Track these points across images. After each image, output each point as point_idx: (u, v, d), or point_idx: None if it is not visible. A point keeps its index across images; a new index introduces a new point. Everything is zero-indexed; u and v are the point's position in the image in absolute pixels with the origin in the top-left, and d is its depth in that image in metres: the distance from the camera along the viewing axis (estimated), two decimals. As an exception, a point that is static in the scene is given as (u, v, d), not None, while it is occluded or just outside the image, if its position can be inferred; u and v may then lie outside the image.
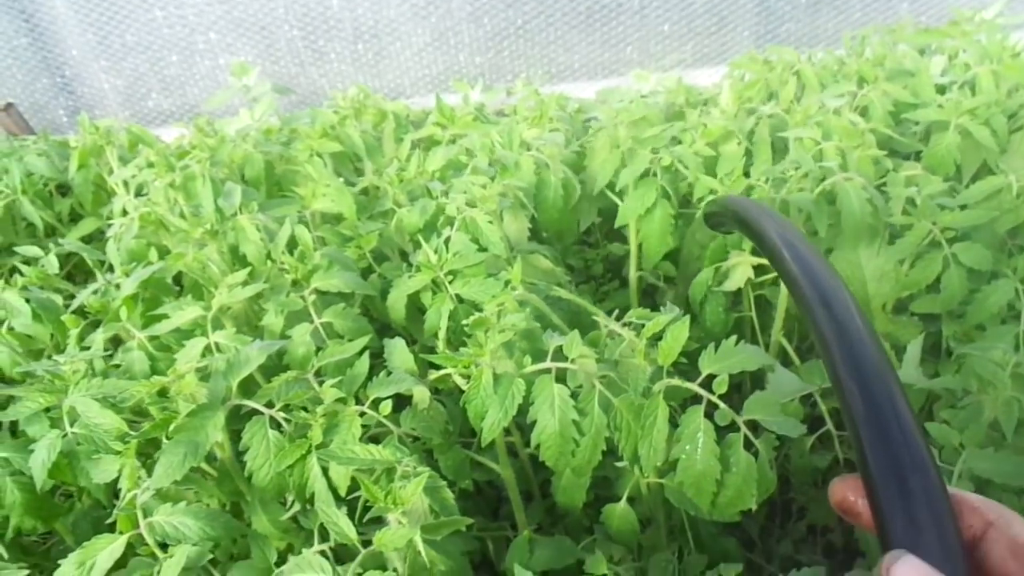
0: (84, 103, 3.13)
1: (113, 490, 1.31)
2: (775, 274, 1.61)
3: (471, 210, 1.50)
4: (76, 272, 2.23)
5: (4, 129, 3.07)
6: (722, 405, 1.09)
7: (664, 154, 1.63)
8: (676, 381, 1.12)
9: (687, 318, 1.13)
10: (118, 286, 1.44)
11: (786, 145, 1.90)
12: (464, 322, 1.26)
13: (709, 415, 1.09)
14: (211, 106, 2.79)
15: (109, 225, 2.21)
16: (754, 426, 1.12)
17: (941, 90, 2.03)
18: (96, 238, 2.32)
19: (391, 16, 2.84)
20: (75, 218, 2.44)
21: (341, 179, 1.86)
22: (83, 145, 2.13)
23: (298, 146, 1.92)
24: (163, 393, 1.13)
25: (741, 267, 1.65)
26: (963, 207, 1.50)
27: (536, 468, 1.59)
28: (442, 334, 1.19)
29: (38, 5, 2.83)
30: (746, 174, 1.65)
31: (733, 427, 1.11)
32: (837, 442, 1.48)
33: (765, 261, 1.60)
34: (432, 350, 1.57)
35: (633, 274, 1.88)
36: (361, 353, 1.20)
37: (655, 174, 1.65)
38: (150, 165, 1.94)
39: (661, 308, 1.21)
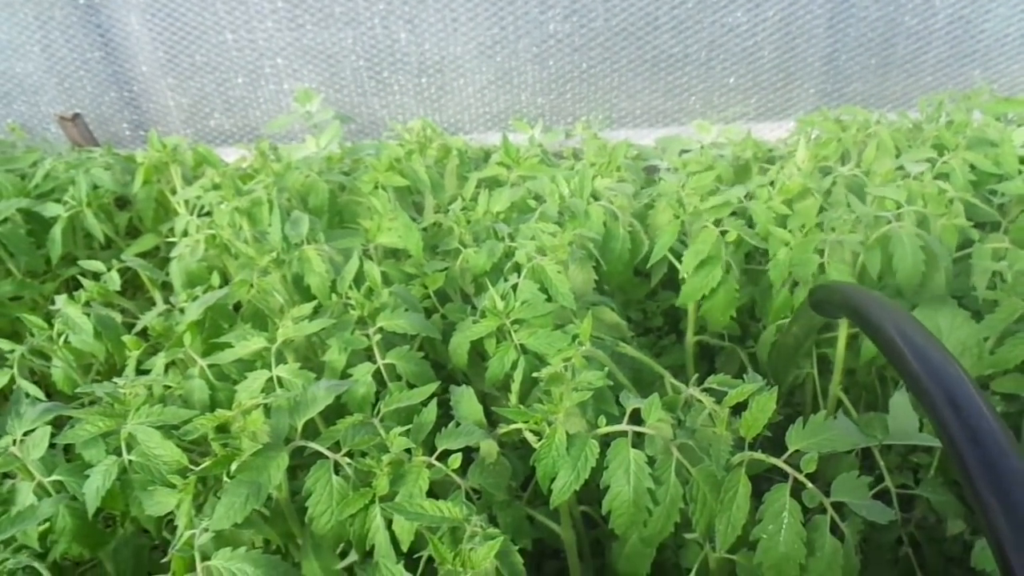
0: (148, 118, 3.18)
1: (162, 521, 1.28)
2: (835, 332, 1.55)
3: (540, 258, 1.46)
4: (128, 286, 2.23)
5: (70, 139, 3.13)
6: (810, 485, 1.03)
7: (731, 226, 1.58)
8: (760, 455, 1.06)
9: (774, 390, 1.08)
10: (182, 310, 1.42)
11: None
12: (535, 375, 1.22)
13: (795, 494, 1.03)
14: (272, 130, 2.81)
15: (167, 242, 2.22)
16: (838, 507, 1.06)
17: (1024, 161, 1.97)
18: (152, 254, 2.33)
19: (457, 52, 2.85)
20: (132, 231, 2.46)
21: (400, 211, 1.84)
22: (149, 162, 2.14)
23: (363, 178, 1.91)
24: (224, 428, 1.10)
25: (803, 319, 1.59)
26: (1058, 287, 1.43)
27: (588, 526, 1.53)
28: (516, 387, 1.15)
29: (114, 21, 2.90)
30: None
31: (818, 507, 1.05)
32: (896, 499, 1.40)
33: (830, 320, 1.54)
34: (490, 396, 1.53)
35: (691, 338, 1.82)
36: (428, 401, 1.16)
37: (720, 248, 1.59)
38: (215, 187, 1.94)
39: (715, 360, 1.16)
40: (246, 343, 1.30)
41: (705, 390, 1.16)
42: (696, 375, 1.21)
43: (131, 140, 3.21)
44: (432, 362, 1.55)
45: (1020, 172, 1.90)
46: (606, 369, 1.17)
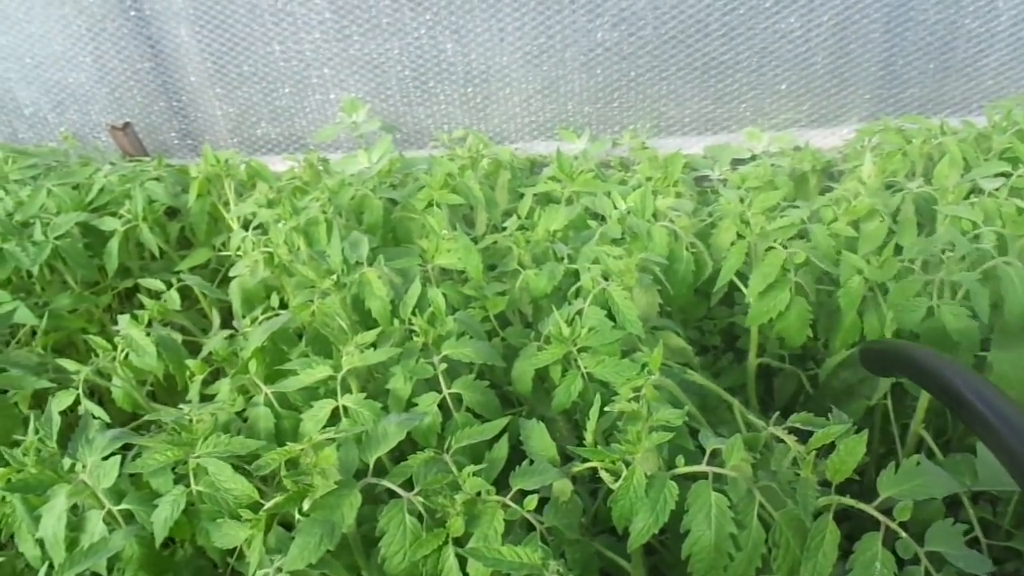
0: (196, 127, 3.20)
1: (227, 550, 1.28)
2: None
3: (607, 283, 1.43)
4: (182, 297, 2.24)
5: (120, 147, 3.16)
6: (904, 535, 0.99)
7: (798, 248, 1.53)
8: (849, 500, 1.02)
9: (864, 434, 1.03)
10: (245, 335, 1.41)
11: (932, 225, 1.78)
12: (606, 409, 1.19)
13: (886, 542, 0.99)
14: (319, 139, 2.80)
15: (219, 254, 2.23)
16: (933, 557, 1.01)
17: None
18: (203, 265, 2.33)
19: (503, 62, 2.82)
20: (183, 242, 2.47)
21: (457, 231, 1.82)
22: (203, 176, 2.15)
23: (418, 195, 1.89)
24: (294, 462, 1.09)
25: (887, 358, 1.53)
26: None
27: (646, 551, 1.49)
28: (591, 425, 1.12)
29: (164, 33, 2.92)
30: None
31: (911, 557, 1.00)
32: (986, 550, 1.34)
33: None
34: (549, 420, 1.51)
35: (752, 360, 1.77)
36: (500, 436, 1.14)
37: (787, 270, 1.54)
38: (269, 203, 1.93)
39: (773, 380, 1.11)
40: (311, 371, 1.28)
41: (790, 430, 1.12)
42: (756, 399, 1.16)
43: (179, 149, 3.24)
44: (495, 387, 1.53)
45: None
46: (686, 408, 1.13)
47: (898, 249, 1.67)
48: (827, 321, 1.77)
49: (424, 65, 2.88)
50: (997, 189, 1.70)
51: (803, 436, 1.14)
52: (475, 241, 1.79)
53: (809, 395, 1.85)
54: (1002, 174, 1.83)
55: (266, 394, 1.30)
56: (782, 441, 1.13)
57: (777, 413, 1.16)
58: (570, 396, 1.34)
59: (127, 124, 3.12)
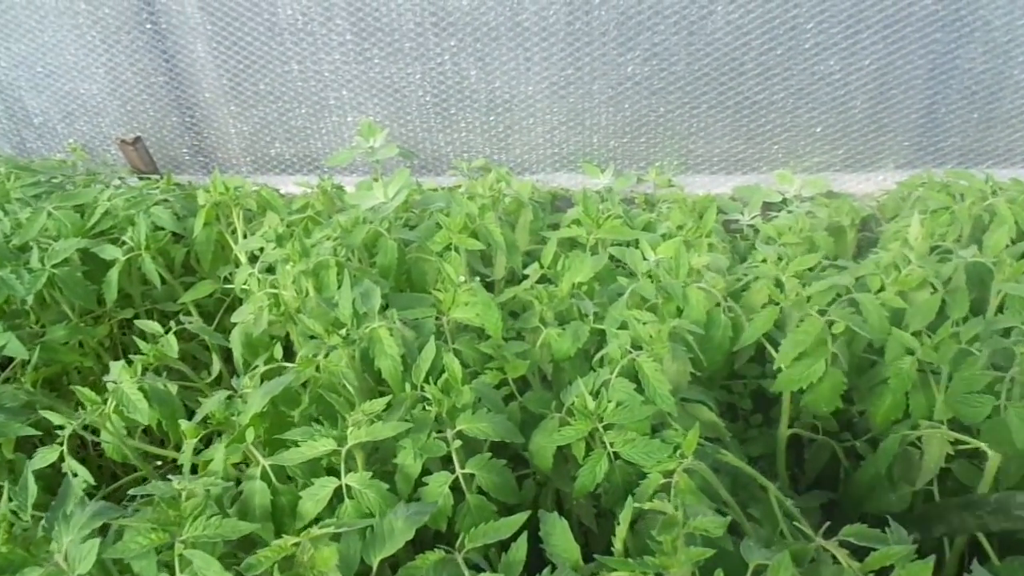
0: (208, 144, 3.11)
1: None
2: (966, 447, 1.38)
3: (637, 352, 1.32)
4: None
5: (129, 162, 3.08)
6: None
7: (839, 316, 1.41)
8: (913, 638, 0.90)
9: (931, 560, 0.91)
10: (243, 397, 1.30)
11: (984, 294, 1.66)
12: (636, 504, 1.07)
13: None
14: (334, 163, 2.70)
15: (225, 286, 2.12)
16: None
17: None
18: (206, 296, 2.23)
19: (529, 92, 2.72)
20: (188, 268, 2.37)
21: (475, 280, 1.71)
22: (210, 204, 2.05)
23: (436, 237, 1.79)
24: (290, 560, 0.98)
25: (938, 444, 1.41)
26: None
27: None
28: (622, 532, 1.00)
29: (180, 47, 2.84)
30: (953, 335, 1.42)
31: None
32: None
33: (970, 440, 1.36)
34: (565, 495, 1.39)
35: (783, 431, 1.65)
36: (520, 532, 1.02)
37: (824, 340, 1.43)
38: (278, 237, 1.83)
39: (804, 450, 0.99)
40: (313, 444, 1.17)
41: (842, 543, 1.00)
42: (784, 471, 1.05)
43: (190, 165, 3.15)
44: (508, 451, 1.41)
45: None
46: (727, 519, 1.01)
47: (951, 323, 1.56)
48: (867, 390, 1.65)
49: (446, 91, 2.78)
50: (1058, 262, 1.58)
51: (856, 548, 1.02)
52: (492, 287, 1.69)
53: (847, 470, 1.73)
54: (1059, 242, 1.72)
55: (263, 467, 1.18)
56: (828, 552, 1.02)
57: (825, 527, 1.04)
58: (595, 478, 1.23)
59: (137, 139, 3.04)
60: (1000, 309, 1.60)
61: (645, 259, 1.71)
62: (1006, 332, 1.44)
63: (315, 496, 1.14)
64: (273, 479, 1.19)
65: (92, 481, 1.34)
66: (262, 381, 1.38)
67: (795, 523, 1.21)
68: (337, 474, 1.16)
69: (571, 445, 1.28)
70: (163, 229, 2.14)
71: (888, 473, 1.55)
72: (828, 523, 1.15)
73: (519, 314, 1.66)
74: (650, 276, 1.55)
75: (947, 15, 2.46)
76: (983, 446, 1.33)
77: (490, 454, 1.22)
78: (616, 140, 2.82)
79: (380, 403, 1.23)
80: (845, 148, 2.77)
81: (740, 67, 2.60)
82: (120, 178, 2.84)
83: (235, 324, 1.60)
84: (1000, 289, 1.54)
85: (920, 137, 2.72)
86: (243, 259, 1.99)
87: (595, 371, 1.36)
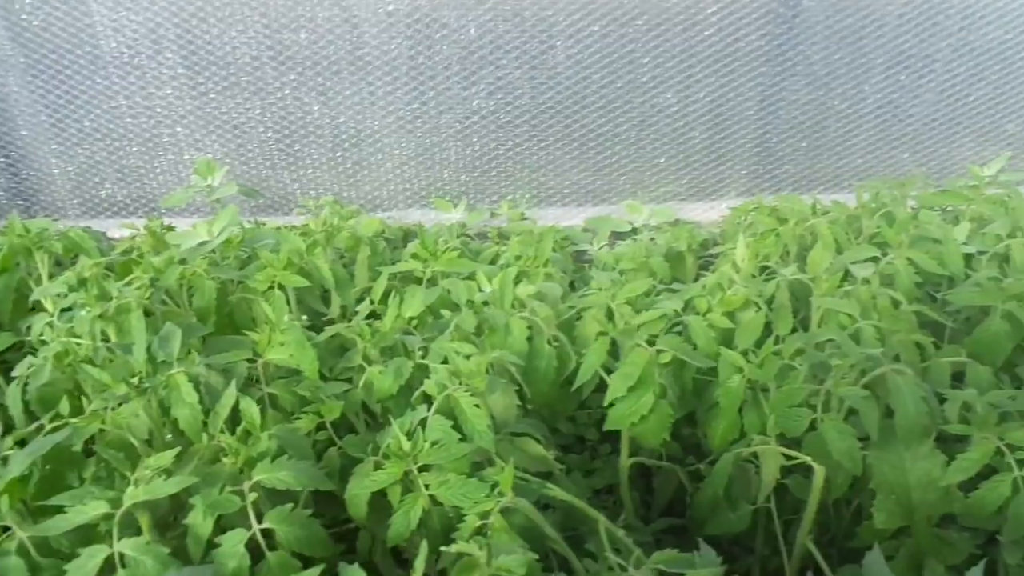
0: (29, 186, 2.86)
1: None
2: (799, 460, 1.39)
3: (455, 387, 1.25)
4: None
5: (-66, 209, 2.78)
6: None
7: (667, 344, 1.40)
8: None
9: (735, 582, 0.88)
10: (6, 460, 1.14)
11: (806, 311, 1.71)
12: (443, 548, 1.00)
13: None
14: (170, 204, 2.53)
15: (26, 339, 1.91)
16: None
17: (967, 260, 1.89)
18: (15, 348, 2.00)
19: (375, 127, 2.66)
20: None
21: (304, 317, 1.61)
22: (8, 248, 1.85)
23: (258, 276, 1.67)
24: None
25: (772, 459, 1.41)
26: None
27: None
28: (418, 564, 0.92)
29: (-12, 82, 2.60)
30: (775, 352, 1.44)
31: None
32: None
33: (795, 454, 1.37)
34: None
35: (625, 461, 1.63)
36: (312, 591, 0.92)
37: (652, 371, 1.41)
38: (81, 283, 1.66)
39: (652, 479, 0.95)
40: (82, 508, 1.03)
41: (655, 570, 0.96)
42: (630, 502, 1.00)
43: (7, 209, 2.88)
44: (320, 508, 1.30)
45: (966, 274, 1.81)
46: (527, 560, 0.95)
47: (775, 339, 1.59)
48: (706, 413, 1.65)
49: (289, 127, 2.68)
50: (867, 278, 1.65)
51: None
52: (321, 329, 1.59)
53: (691, 494, 1.72)
54: (872, 258, 1.79)
55: (20, 540, 1.03)
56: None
57: (634, 553, 1.00)
58: (409, 524, 1.14)
59: (-56, 182, 2.75)
60: (820, 324, 1.65)
61: (481, 291, 1.67)
62: (821, 346, 1.48)
63: (81, 569, 0.99)
64: (33, 552, 1.03)
65: None
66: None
67: (619, 554, 1.17)
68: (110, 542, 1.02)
69: (387, 490, 1.19)
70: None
71: (727, 493, 1.54)
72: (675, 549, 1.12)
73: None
74: (473, 307, 1.49)
75: (771, 50, 2.59)
76: (808, 459, 1.34)
77: (292, 505, 1.11)
78: (467, 174, 2.79)
79: (167, 456, 1.10)
80: (688, 178, 2.86)
81: (583, 100, 2.65)
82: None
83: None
84: (819, 304, 1.58)
85: (756, 166, 2.85)
86: (49, 307, 1.79)
87: (414, 409, 1.29)
